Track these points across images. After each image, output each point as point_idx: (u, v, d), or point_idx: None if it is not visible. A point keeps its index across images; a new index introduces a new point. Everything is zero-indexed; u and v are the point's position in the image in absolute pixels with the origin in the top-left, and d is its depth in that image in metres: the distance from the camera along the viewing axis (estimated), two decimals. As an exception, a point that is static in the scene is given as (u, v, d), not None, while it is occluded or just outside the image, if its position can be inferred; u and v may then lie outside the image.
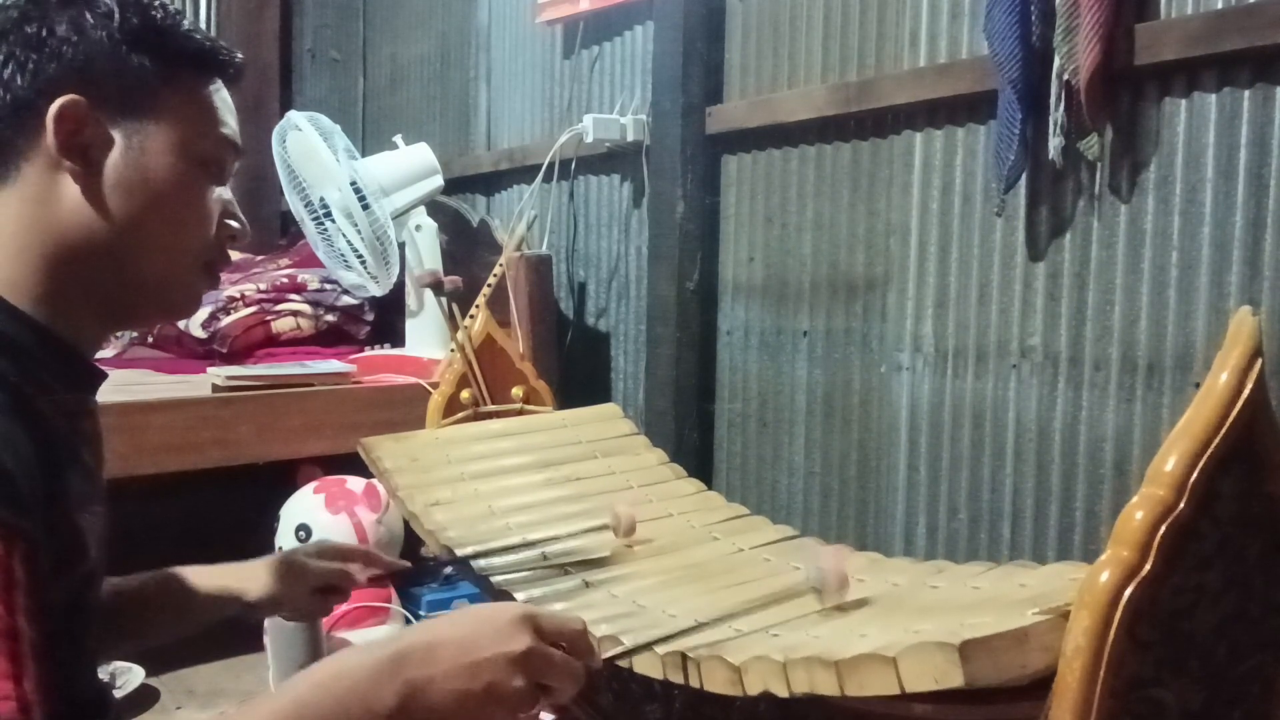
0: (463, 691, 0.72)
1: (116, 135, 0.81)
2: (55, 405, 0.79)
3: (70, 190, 0.79)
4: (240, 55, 0.90)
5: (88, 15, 0.80)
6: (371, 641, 0.77)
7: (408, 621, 1.94)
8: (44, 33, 0.79)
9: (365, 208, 2.25)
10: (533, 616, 0.76)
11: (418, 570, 2.03)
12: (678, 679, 0.98)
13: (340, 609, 1.85)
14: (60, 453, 0.77)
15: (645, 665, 1.03)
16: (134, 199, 0.81)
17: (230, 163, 0.89)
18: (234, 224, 0.90)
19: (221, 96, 0.88)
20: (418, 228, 2.33)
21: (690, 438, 2.06)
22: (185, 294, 0.89)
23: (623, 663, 1.00)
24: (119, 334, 2.84)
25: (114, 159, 0.81)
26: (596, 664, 0.81)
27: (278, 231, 3.82)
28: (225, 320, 2.52)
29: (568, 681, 0.77)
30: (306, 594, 1.14)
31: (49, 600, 0.71)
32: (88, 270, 0.81)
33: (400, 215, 2.32)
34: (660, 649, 1.01)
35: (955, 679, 0.73)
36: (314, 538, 1.91)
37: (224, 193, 0.89)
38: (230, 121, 0.88)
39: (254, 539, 1.97)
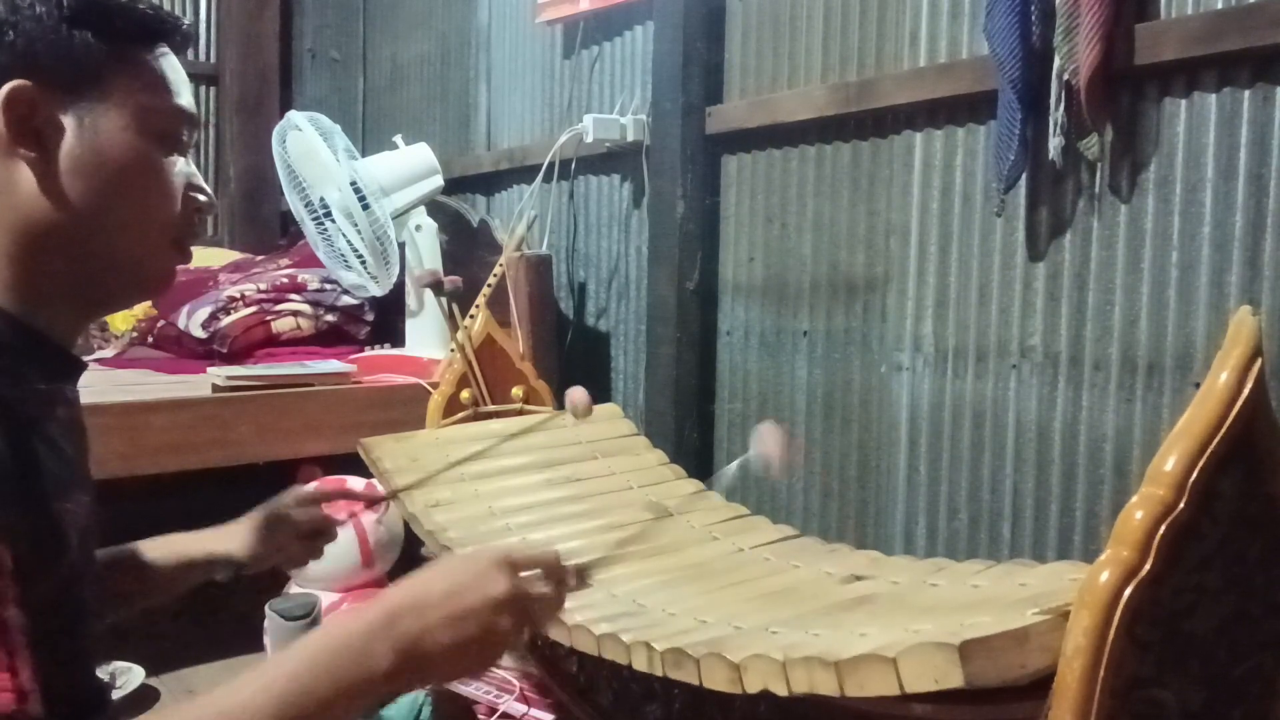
0: (454, 641, 0.74)
1: (68, 118, 0.79)
2: (28, 394, 0.77)
3: (27, 178, 0.78)
4: (186, 21, 0.88)
5: None
6: (360, 605, 0.78)
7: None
8: None
9: (365, 208, 2.25)
10: (509, 556, 0.79)
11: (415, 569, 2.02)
12: (677, 676, 0.98)
13: (340, 608, 1.85)
14: (33, 442, 0.76)
15: (643, 662, 1.03)
16: (93, 181, 0.80)
17: (187, 134, 0.87)
18: (200, 197, 0.88)
19: (170, 64, 0.85)
20: (418, 228, 2.33)
21: (690, 438, 2.06)
22: (157, 272, 0.87)
23: (563, 637, 1.04)
24: (118, 336, 2.84)
25: (68, 142, 0.79)
26: (574, 585, 0.85)
27: (278, 231, 3.82)
28: (225, 320, 2.52)
29: (549, 611, 0.81)
30: (294, 543, 1.15)
31: (34, 594, 0.71)
32: (56, 256, 0.80)
33: (400, 215, 2.32)
34: (658, 643, 1.01)
35: (955, 679, 0.73)
36: (314, 538, 1.91)
37: (185, 165, 0.87)
38: (183, 91, 0.86)
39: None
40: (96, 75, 0.80)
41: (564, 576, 0.83)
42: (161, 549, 1.10)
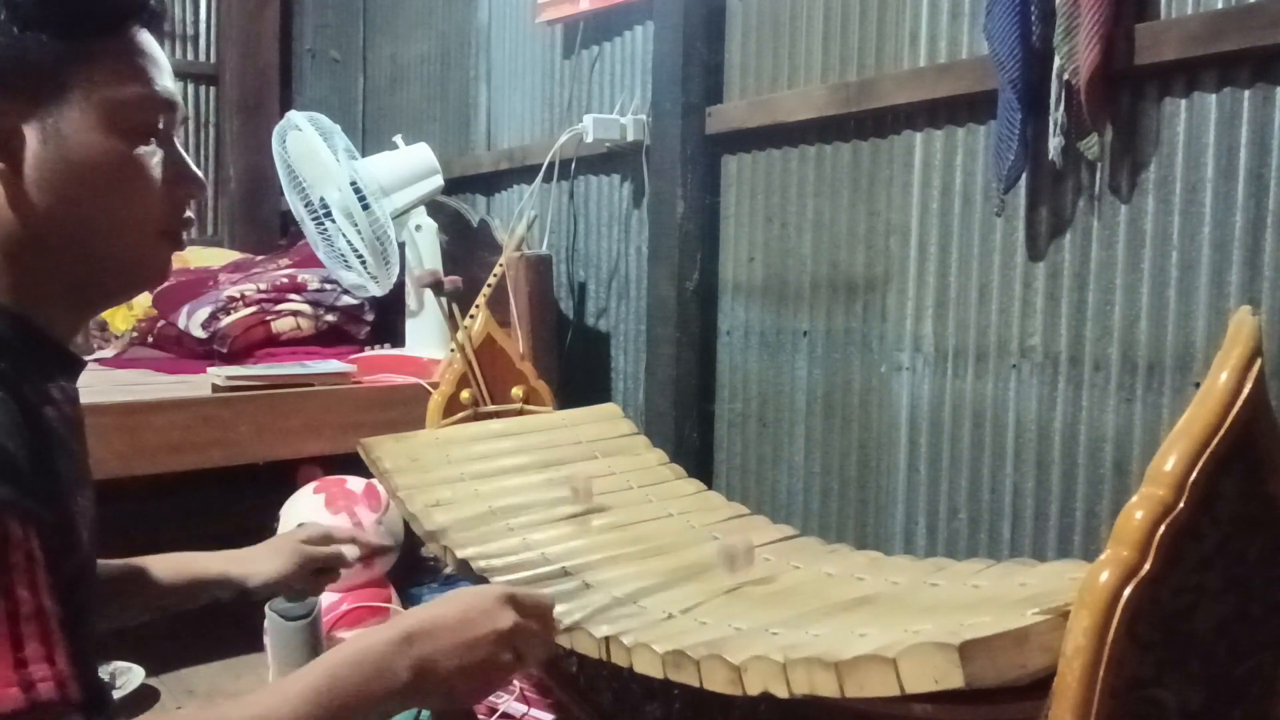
0: (462, 665, 0.82)
1: (32, 125, 0.76)
2: (39, 393, 0.78)
3: None
4: None
5: None
6: (377, 626, 0.85)
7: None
8: None
9: (365, 208, 2.25)
10: (513, 596, 0.86)
11: (415, 569, 2.03)
12: (677, 678, 0.98)
13: (340, 609, 1.85)
14: (49, 440, 0.76)
15: (644, 664, 1.03)
16: (65, 188, 0.78)
17: (165, 119, 0.83)
18: (189, 182, 0.85)
19: (142, 47, 0.81)
20: (418, 228, 2.33)
21: (690, 438, 2.06)
22: (149, 265, 0.85)
23: (564, 640, 1.11)
24: (118, 336, 2.84)
25: (33, 150, 0.77)
26: (557, 634, 0.95)
27: (278, 231, 3.82)
28: (225, 320, 2.52)
29: (543, 651, 0.89)
30: (304, 576, 1.21)
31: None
32: (44, 259, 0.79)
33: (400, 215, 2.32)
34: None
35: (955, 679, 0.73)
36: (314, 538, 1.91)
37: (169, 152, 0.83)
38: (158, 76, 0.81)
39: (254, 539, 1.97)
40: (56, 77, 0.77)
41: (553, 623, 0.92)
42: (173, 566, 1.13)
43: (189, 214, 0.87)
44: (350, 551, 1.28)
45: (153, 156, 0.82)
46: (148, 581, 1.11)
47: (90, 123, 0.78)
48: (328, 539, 1.26)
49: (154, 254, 0.85)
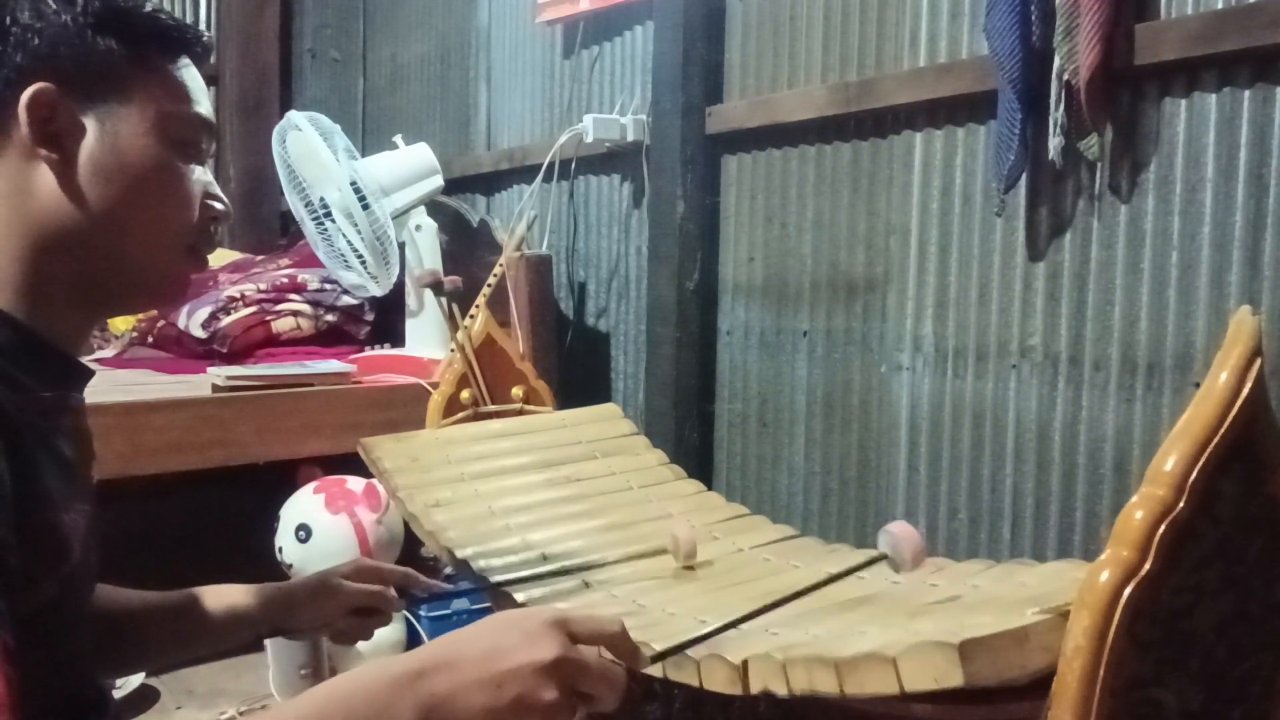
0: (488, 706, 0.67)
1: (89, 120, 0.80)
2: (29, 402, 0.77)
3: (46, 180, 0.79)
4: (207, 34, 0.89)
5: (50, 1, 0.79)
6: (391, 657, 0.72)
7: (408, 621, 1.94)
8: (7, 22, 0.77)
9: (365, 208, 2.25)
10: (564, 621, 0.70)
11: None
12: (677, 678, 0.98)
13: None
14: (33, 451, 0.75)
15: (644, 663, 1.02)
16: (112, 184, 0.80)
17: (206, 142, 0.88)
18: (217, 205, 0.88)
19: (191, 74, 0.86)
20: (418, 228, 2.33)
21: (690, 438, 2.06)
22: (170, 278, 0.87)
23: (654, 670, 0.95)
24: (118, 336, 2.84)
25: (88, 145, 0.80)
26: (641, 667, 0.75)
27: (278, 231, 3.82)
28: (225, 320, 2.52)
29: (607, 689, 0.71)
30: (342, 616, 1.08)
31: (32, 602, 0.71)
32: (68, 260, 0.80)
33: (400, 215, 2.32)
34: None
35: (955, 679, 0.73)
36: (314, 538, 1.91)
37: (203, 174, 0.87)
38: (203, 100, 0.87)
39: (254, 539, 1.97)
40: (118, 80, 0.81)
41: (629, 651, 0.74)
42: (206, 604, 1.06)
43: (214, 232, 0.89)
44: (393, 595, 1.12)
45: (192, 172, 0.86)
46: (190, 622, 1.05)
47: (145, 128, 0.82)
48: (376, 575, 1.11)
49: (176, 266, 0.87)
